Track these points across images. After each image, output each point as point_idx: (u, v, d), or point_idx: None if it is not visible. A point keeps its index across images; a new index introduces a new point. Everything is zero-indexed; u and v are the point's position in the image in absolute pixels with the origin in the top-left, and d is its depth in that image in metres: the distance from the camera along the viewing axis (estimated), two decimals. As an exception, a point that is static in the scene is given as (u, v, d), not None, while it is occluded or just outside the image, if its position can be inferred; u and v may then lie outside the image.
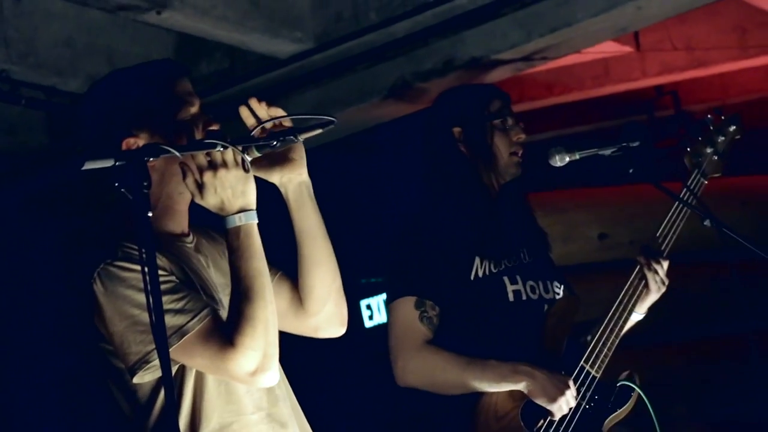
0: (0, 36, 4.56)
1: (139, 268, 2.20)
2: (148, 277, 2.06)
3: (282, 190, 2.58)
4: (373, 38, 4.89)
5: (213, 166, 2.33)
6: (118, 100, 2.48)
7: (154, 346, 2.16)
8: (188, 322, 2.32)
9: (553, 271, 3.54)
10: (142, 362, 2.32)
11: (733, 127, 3.59)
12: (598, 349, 3.30)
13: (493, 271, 3.36)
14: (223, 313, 2.41)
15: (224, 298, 2.47)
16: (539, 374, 3.20)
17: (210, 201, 2.36)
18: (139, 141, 2.43)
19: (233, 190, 2.34)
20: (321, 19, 4.92)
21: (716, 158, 3.54)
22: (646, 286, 3.38)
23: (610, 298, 3.38)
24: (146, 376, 2.35)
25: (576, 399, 3.22)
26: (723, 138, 3.57)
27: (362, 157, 6.45)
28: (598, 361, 3.29)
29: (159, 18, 4.44)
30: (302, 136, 2.44)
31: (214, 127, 2.47)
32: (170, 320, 2.28)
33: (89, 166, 2.12)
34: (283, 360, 2.44)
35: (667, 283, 3.39)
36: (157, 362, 2.27)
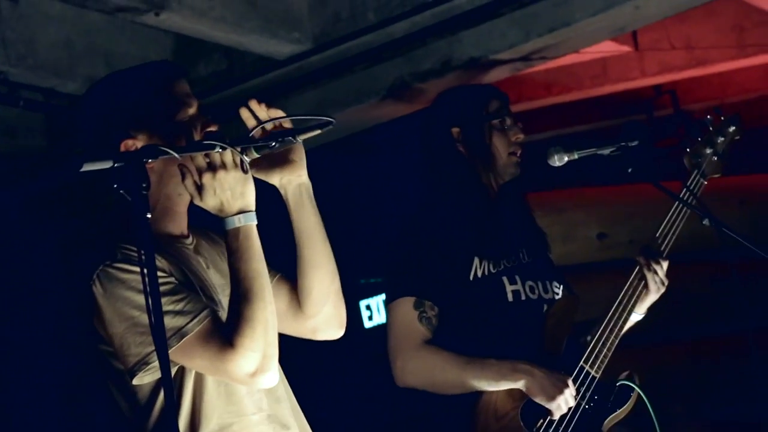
0: (-2, 38, 4.57)
1: (138, 269, 2.20)
2: (147, 279, 2.06)
3: (282, 191, 2.58)
4: (372, 39, 4.89)
5: (212, 167, 2.33)
6: (117, 102, 2.48)
7: (153, 348, 2.16)
8: (188, 323, 2.32)
9: (553, 271, 3.54)
10: (142, 363, 2.32)
11: (732, 128, 3.59)
12: (597, 349, 3.30)
13: (492, 271, 3.36)
14: (223, 315, 2.41)
15: (223, 299, 2.47)
16: (538, 372, 3.20)
17: (209, 202, 2.35)
18: (138, 142, 2.43)
19: (232, 191, 2.34)
20: (319, 20, 4.91)
21: (716, 159, 3.54)
22: (646, 286, 3.38)
23: (609, 298, 3.38)
24: (146, 378, 2.35)
25: (575, 399, 3.22)
26: (722, 138, 3.56)
27: (361, 158, 6.45)
28: (598, 361, 3.29)
29: (157, 19, 4.44)
30: (301, 137, 2.44)
31: (213, 129, 2.47)
32: (170, 322, 2.28)
33: (88, 167, 2.12)
34: (282, 361, 2.45)
35: (666, 283, 3.39)
36: (156, 363, 2.27)
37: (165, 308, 2.23)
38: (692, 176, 3.48)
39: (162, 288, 2.20)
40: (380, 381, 3.48)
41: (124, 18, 4.52)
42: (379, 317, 6.44)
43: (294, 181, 2.57)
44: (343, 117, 5.00)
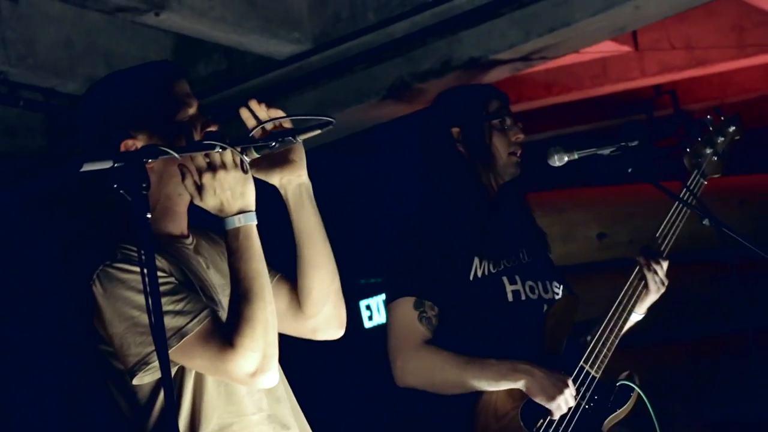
0: (-2, 38, 4.57)
1: (138, 269, 2.20)
2: (147, 279, 2.06)
3: (282, 191, 2.58)
4: (372, 39, 4.89)
5: (212, 167, 2.33)
6: (117, 102, 2.48)
7: (153, 348, 2.16)
8: (188, 323, 2.32)
9: (553, 271, 3.54)
10: (142, 364, 2.32)
11: (732, 128, 3.59)
12: (597, 349, 3.30)
13: (492, 271, 3.36)
14: (223, 315, 2.41)
15: (223, 299, 2.47)
16: (538, 372, 3.20)
17: (209, 202, 2.36)
18: (138, 142, 2.43)
19: (232, 191, 2.34)
20: (319, 20, 4.91)
21: (716, 159, 3.54)
22: (646, 286, 3.38)
23: (609, 298, 3.38)
24: (146, 378, 2.35)
25: (575, 399, 3.22)
26: (723, 139, 3.56)
27: (361, 158, 6.46)
28: (598, 362, 3.29)
29: (157, 19, 4.44)
30: (300, 137, 2.44)
31: (213, 129, 2.47)
32: (170, 322, 2.28)
33: (88, 167, 2.12)
34: (282, 361, 2.45)
35: (666, 283, 3.39)
36: (156, 363, 2.27)
37: (165, 308, 2.23)
38: (692, 176, 3.48)
39: (162, 288, 2.20)
40: (380, 381, 3.48)
41: (124, 18, 4.52)
42: (379, 317, 6.44)
43: (294, 181, 2.57)
44: (342, 117, 5.00)
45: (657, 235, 3.42)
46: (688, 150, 3.52)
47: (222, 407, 2.43)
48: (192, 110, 2.51)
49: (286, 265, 2.66)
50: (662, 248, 3.42)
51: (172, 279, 2.38)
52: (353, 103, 5.21)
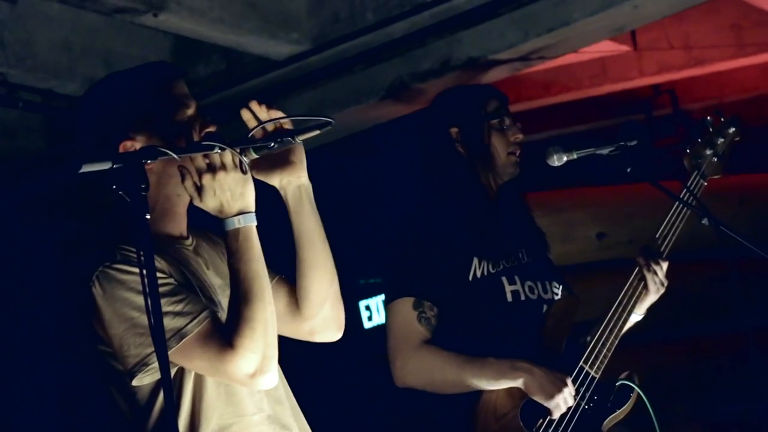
0: (-3, 39, 4.57)
1: (137, 270, 2.20)
2: (146, 280, 2.06)
3: (281, 192, 2.58)
4: (370, 39, 4.89)
5: (211, 168, 2.33)
6: (115, 103, 2.48)
7: (153, 349, 2.16)
8: (187, 324, 2.32)
9: (552, 271, 3.53)
10: (141, 365, 2.32)
11: (732, 129, 3.59)
12: (597, 349, 3.30)
13: (492, 271, 3.36)
14: (222, 316, 2.41)
15: (223, 300, 2.47)
16: (537, 371, 3.20)
17: (209, 203, 2.35)
18: (137, 144, 2.43)
19: (232, 192, 2.34)
20: (318, 21, 4.92)
21: (716, 160, 3.53)
22: (646, 286, 3.38)
23: (609, 298, 3.38)
24: (145, 379, 2.35)
25: (575, 399, 3.22)
26: (722, 140, 3.56)
27: (360, 158, 6.46)
28: (597, 362, 3.29)
29: (156, 20, 4.44)
30: (300, 138, 2.44)
31: (212, 129, 2.47)
32: (169, 323, 2.28)
33: (87, 169, 2.12)
34: (282, 361, 2.45)
35: (666, 284, 3.39)
36: (156, 364, 2.27)
37: (164, 309, 2.23)
38: (692, 177, 3.48)
39: (161, 289, 2.20)
40: (380, 381, 3.48)
41: (123, 19, 4.52)
42: (379, 317, 6.43)
43: (294, 183, 2.57)
44: (342, 117, 5.01)
45: (657, 235, 3.42)
46: (687, 151, 3.52)
47: (222, 408, 2.42)
48: (191, 111, 2.50)
49: (285, 267, 2.66)
50: (662, 249, 3.41)
51: (171, 280, 2.37)
52: (352, 103, 5.21)
